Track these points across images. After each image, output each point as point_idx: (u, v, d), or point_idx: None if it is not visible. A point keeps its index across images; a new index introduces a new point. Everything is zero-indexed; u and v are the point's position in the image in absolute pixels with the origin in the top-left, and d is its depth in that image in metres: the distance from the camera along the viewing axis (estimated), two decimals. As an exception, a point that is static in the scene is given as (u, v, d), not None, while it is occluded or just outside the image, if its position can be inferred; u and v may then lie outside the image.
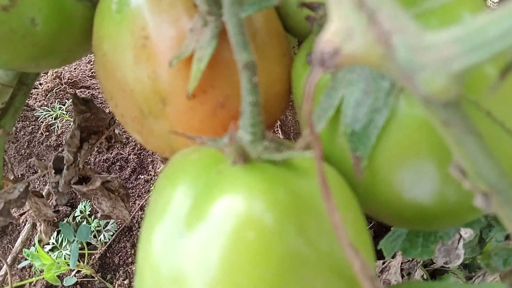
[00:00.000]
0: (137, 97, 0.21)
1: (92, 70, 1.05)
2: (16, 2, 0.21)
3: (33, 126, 0.93)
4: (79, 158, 0.40)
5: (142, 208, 0.83)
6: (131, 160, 0.90)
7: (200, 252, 0.14)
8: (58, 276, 0.72)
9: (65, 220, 0.81)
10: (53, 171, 0.40)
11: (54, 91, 0.98)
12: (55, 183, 0.40)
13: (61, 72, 1.02)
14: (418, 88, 0.11)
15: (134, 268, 0.78)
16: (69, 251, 0.72)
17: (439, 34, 0.10)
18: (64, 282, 0.74)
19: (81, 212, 0.81)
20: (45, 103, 0.96)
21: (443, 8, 0.17)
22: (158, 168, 0.89)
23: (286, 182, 0.15)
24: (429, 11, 0.17)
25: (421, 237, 0.28)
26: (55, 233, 0.78)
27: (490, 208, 0.13)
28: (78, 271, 0.77)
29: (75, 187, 0.40)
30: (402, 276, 0.60)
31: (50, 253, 0.74)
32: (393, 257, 0.60)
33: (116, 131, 0.44)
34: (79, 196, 0.41)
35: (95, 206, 0.41)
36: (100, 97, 0.99)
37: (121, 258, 0.79)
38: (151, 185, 0.87)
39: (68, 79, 1.00)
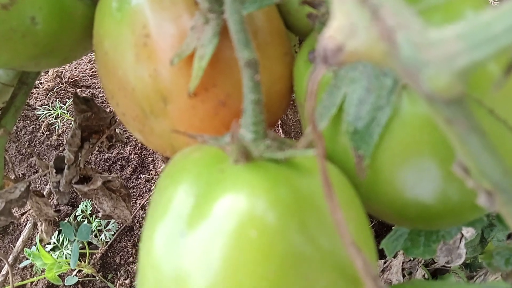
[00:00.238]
0: (138, 96, 0.21)
1: (93, 69, 1.05)
2: (16, 1, 0.21)
3: (34, 126, 0.93)
4: (80, 158, 0.40)
5: (143, 208, 0.83)
6: (132, 159, 0.90)
7: (202, 251, 0.14)
8: (59, 276, 0.72)
9: (66, 219, 0.81)
10: (54, 170, 0.40)
11: (54, 90, 0.98)
12: (56, 182, 0.40)
13: (62, 71, 1.02)
14: (422, 85, 0.10)
15: (135, 267, 0.78)
16: (70, 251, 0.72)
17: (443, 31, 0.10)
18: (66, 281, 0.74)
19: (82, 211, 0.81)
20: (46, 103, 0.96)
21: (446, 5, 0.17)
22: (159, 168, 0.89)
23: (288, 180, 0.15)
24: (432, 8, 0.17)
25: (423, 237, 0.28)
26: (56, 232, 0.78)
27: (493, 207, 0.13)
28: (80, 271, 0.77)
29: (76, 186, 0.40)
30: (404, 276, 0.60)
31: (51, 252, 0.74)
32: (394, 257, 0.60)
33: (117, 131, 0.44)
34: (80, 196, 0.41)
35: (96, 206, 0.41)
36: (101, 96, 0.99)
37: (122, 257, 0.79)
38: (152, 184, 0.87)
39: (68, 78, 1.00)
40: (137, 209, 0.83)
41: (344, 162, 0.18)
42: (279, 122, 0.62)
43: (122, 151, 0.91)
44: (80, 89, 0.99)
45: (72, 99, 0.51)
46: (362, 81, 0.17)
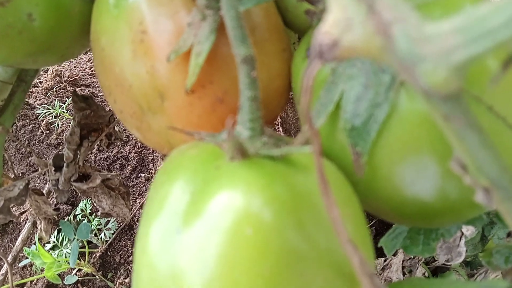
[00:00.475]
0: (135, 93, 0.21)
1: (92, 68, 1.05)
2: (13, -3, 0.21)
3: (33, 125, 0.93)
4: (79, 156, 0.40)
5: (142, 207, 0.83)
6: (132, 158, 0.90)
7: (198, 248, 0.14)
8: (59, 275, 0.73)
9: (66, 218, 0.81)
10: (53, 168, 0.40)
11: (54, 89, 0.98)
12: (55, 180, 0.40)
13: (61, 70, 1.02)
14: (418, 81, 0.10)
15: (135, 266, 0.78)
16: (70, 250, 0.72)
17: (440, 25, 0.10)
18: (65, 280, 0.75)
19: (81, 210, 0.81)
20: (45, 102, 0.96)
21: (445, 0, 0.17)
22: (158, 166, 0.89)
23: (284, 177, 0.15)
24: (431, 2, 0.17)
25: (422, 235, 0.28)
26: (56, 231, 0.78)
27: (491, 204, 0.12)
28: (79, 270, 0.77)
29: (75, 184, 0.40)
30: (404, 274, 0.60)
31: (50, 251, 0.74)
32: (394, 255, 0.60)
33: (116, 129, 0.44)
34: (80, 195, 0.41)
35: (95, 204, 0.41)
36: (100, 95, 0.99)
37: (122, 256, 0.79)
38: (151, 183, 0.87)
39: (68, 77, 1.00)
40: (137, 208, 0.83)
41: (341, 159, 0.18)
42: (279, 120, 0.62)
43: (122, 150, 0.91)
44: (80, 88, 0.99)
45: (71, 98, 0.50)
46: (360, 77, 0.17)
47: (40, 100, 0.97)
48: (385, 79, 0.16)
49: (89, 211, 0.81)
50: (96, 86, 1.01)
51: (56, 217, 0.80)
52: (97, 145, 0.41)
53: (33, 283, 0.76)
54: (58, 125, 0.93)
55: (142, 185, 0.87)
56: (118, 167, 0.89)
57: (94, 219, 0.80)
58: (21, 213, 0.79)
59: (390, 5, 0.10)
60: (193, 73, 0.19)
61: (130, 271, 0.78)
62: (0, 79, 0.33)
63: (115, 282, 0.76)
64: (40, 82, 0.99)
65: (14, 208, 0.70)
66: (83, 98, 0.37)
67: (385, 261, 0.60)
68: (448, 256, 0.39)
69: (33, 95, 0.97)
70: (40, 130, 0.93)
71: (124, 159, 0.89)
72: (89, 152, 0.40)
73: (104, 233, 0.80)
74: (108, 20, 0.21)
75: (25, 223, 0.79)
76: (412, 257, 0.59)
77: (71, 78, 1.00)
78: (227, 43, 0.17)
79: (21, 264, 0.76)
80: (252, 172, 0.15)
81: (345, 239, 0.13)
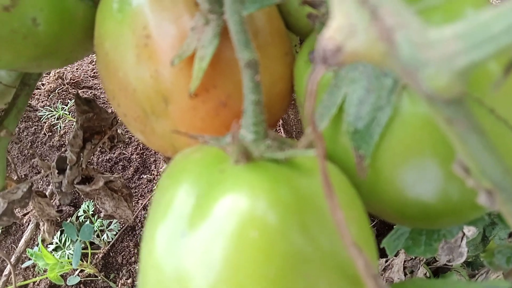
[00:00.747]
0: (139, 97, 0.21)
1: (94, 71, 1.05)
2: (18, 2, 0.21)
3: (35, 127, 0.93)
4: (82, 158, 0.40)
5: (145, 208, 0.84)
6: (134, 160, 0.90)
7: (203, 251, 0.14)
8: (61, 276, 0.73)
9: (68, 220, 0.81)
10: (56, 171, 0.40)
11: (56, 91, 0.99)
12: (58, 183, 0.41)
13: (63, 72, 1.02)
14: (421, 85, 0.10)
15: (137, 267, 0.78)
16: (73, 251, 0.72)
17: (442, 30, 0.10)
18: (68, 281, 0.75)
19: (84, 212, 0.81)
20: (48, 104, 0.97)
21: (446, 4, 0.17)
22: (160, 168, 0.89)
23: (289, 180, 0.15)
24: (433, 7, 0.17)
25: (424, 235, 0.28)
26: (59, 233, 0.79)
27: (494, 205, 0.13)
28: (82, 271, 0.77)
29: (78, 187, 0.40)
30: (405, 274, 0.60)
31: (53, 253, 0.74)
32: (396, 255, 0.60)
33: (119, 131, 0.44)
34: (82, 196, 0.41)
35: (98, 206, 0.41)
36: (102, 97, 0.99)
37: (124, 257, 0.79)
38: (154, 184, 0.87)
39: (70, 80, 1.01)
40: (139, 209, 0.83)
41: (345, 162, 0.18)
42: (281, 122, 0.62)
43: (124, 152, 0.91)
44: (82, 90, 1.00)
45: (73, 100, 0.51)
46: (362, 81, 0.17)
47: (42, 102, 0.97)
48: (387, 83, 0.16)
49: (92, 212, 0.81)
50: (98, 88, 1.01)
51: (59, 218, 0.80)
52: (100, 147, 0.41)
53: (36, 284, 0.76)
54: (60, 127, 0.93)
55: (144, 187, 0.87)
56: (120, 168, 0.89)
57: (96, 220, 0.81)
58: (24, 215, 0.79)
59: (392, 11, 0.10)
60: (197, 77, 0.19)
61: (132, 272, 0.78)
62: (3, 82, 0.33)
63: (117, 283, 0.76)
64: (43, 84, 1.00)
65: (17, 210, 0.70)
66: (86, 101, 0.37)
67: (386, 261, 0.60)
68: (450, 256, 0.39)
69: (36, 97, 0.98)
70: (42, 132, 0.93)
71: (126, 160, 0.90)
72: (92, 154, 0.40)
73: (107, 234, 0.80)
74: (112, 24, 0.21)
75: (28, 224, 0.79)
76: (414, 257, 0.59)
77: (73, 80, 1.01)
78: (230, 47, 0.17)
79: (24, 265, 0.76)
80: (257, 175, 0.15)
81: (349, 241, 0.13)
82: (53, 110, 0.95)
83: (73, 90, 0.99)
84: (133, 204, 0.81)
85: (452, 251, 0.39)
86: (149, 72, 0.20)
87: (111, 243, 0.80)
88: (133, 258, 0.79)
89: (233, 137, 0.15)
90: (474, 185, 0.13)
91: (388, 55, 0.11)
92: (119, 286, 0.76)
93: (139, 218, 0.83)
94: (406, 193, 0.18)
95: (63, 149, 0.91)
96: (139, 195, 0.86)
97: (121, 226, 0.82)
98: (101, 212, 0.80)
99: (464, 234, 0.40)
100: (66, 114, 0.95)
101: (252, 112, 0.16)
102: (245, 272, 0.13)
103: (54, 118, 0.94)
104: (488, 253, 0.27)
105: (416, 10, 0.13)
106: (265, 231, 0.14)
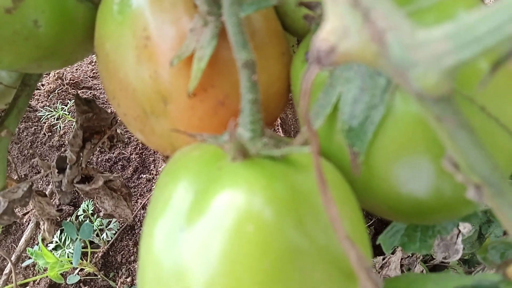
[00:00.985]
0: (139, 97, 0.21)
1: (94, 71, 1.05)
2: (19, 4, 0.21)
3: (35, 127, 0.93)
4: (81, 158, 0.40)
5: (144, 207, 0.84)
6: (133, 159, 0.90)
7: (201, 245, 0.14)
8: (61, 275, 0.73)
9: (68, 219, 0.82)
10: (56, 170, 0.40)
11: (56, 92, 0.99)
12: (58, 182, 0.41)
13: (63, 73, 1.02)
14: (411, 84, 0.11)
15: (136, 266, 0.78)
16: (73, 250, 0.73)
17: (431, 31, 0.10)
18: (68, 280, 0.75)
19: (84, 211, 0.81)
20: (48, 104, 0.97)
21: (439, 5, 0.17)
22: (160, 167, 0.89)
23: (284, 177, 0.15)
24: (425, 9, 0.17)
25: (419, 232, 0.28)
26: (58, 232, 0.79)
27: (482, 200, 0.13)
28: (82, 269, 0.77)
29: (78, 186, 0.40)
30: (402, 272, 0.61)
31: (53, 252, 0.75)
32: (393, 253, 0.60)
33: (118, 131, 0.45)
34: (82, 195, 0.41)
35: (97, 205, 0.42)
36: (102, 98, 0.99)
37: (123, 256, 0.80)
38: (153, 184, 0.87)
39: (70, 80, 1.01)
40: (138, 208, 0.83)
41: (340, 160, 0.19)
42: (279, 121, 0.62)
43: (123, 151, 0.91)
44: (81, 91, 1.00)
45: (73, 100, 0.51)
46: (357, 80, 0.17)
47: (42, 102, 0.97)
48: (380, 82, 0.17)
49: (91, 211, 0.82)
50: (98, 88, 1.01)
51: (59, 218, 0.81)
52: (99, 146, 0.42)
53: (36, 283, 0.76)
54: (60, 127, 0.94)
55: (143, 186, 0.87)
56: (119, 168, 0.89)
57: (96, 219, 0.81)
58: (24, 214, 0.79)
59: (384, 14, 0.11)
60: (195, 77, 0.19)
61: (131, 270, 0.79)
62: (4, 83, 0.34)
63: (117, 281, 0.77)
64: (42, 85, 1.00)
65: (17, 209, 0.71)
66: (85, 101, 0.38)
67: (383, 259, 0.61)
68: (446, 253, 0.39)
69: (35, 97, 0.98)
70: (42, 132, 0.93)
71: (126, 160, 0.90)
72: (92, 154, 0.41)
73: (106, 234, 0.80)
74: (112, 26, 0.21)
75: (28, 224, 0.80)
76: (410, 255, 0.60)
77: (73, 80, 1.01)
78: (228, 48, 0.18)
79: (24, 264, 0.77)
80: (253, 172, 0.15)
81: (342, 235, 0.13)
82: (52, 110, 0.95)
83: (73, 90, 1.00)
84: (132, 204, 0.81)
85: (448, 248, 0.40)
86: (149, 73, 0.20)
87: (110, 242, 0.80)
88: (132, 257, 0.80)
89: (230, 135, 0.16)
90: (463, 180, 0.13)
91: (379, 56, 0.11)
92: (119, 284, 0.76)
93: (138, 218, 0.83)
94: (399, 189, 0.18)
95: (62, 149, 0.91)
96: (138, 194, 0.86)
97: (121, 226, 0.82)
98: (100, 211, 0.81)
99: (459, 231, 0.40)
100: (65, 114, 0.95)
101: (249, 111, 0.17)
102: (242, 265, 0.14)
103: (54, 119, 0.94)
104: (482, 249, 0.28)
105: (408, 12, 0.14)
106: (261, 226, 0.14)
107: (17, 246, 0.64)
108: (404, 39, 0.11)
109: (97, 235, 0.80)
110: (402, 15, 0.11)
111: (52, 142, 0.92)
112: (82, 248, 0.75)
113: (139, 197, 0.86)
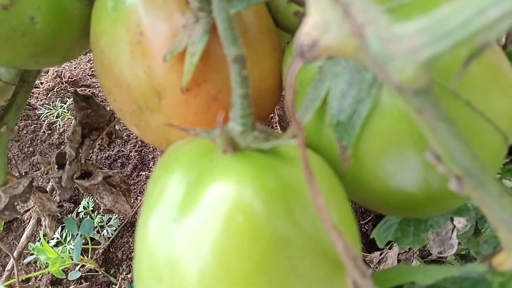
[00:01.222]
0: (134, 92, 0.22)
1: (92, 69, 1.06)
2: (16, 1, 0.21)
3: (35, 125, 0.94)
4: (81, 154, 0.41)
5: (144, 204, 0.84)
6: (133, 157, 0.91)
7: (193, 236, 0.15)
8: (63, 271, 0.74)
9: (69, 216, 0.82)
10: (56, 166, 0.41)
11: (55, 90, 0.99)
12: (58, 178, 0.41)
13: (62, 71, 1.03)
14: (390, 77, 0.11)
15: (137, 262, 0.79)
16: (73, 246, 0.74)
17: (407, 26, 0.11)
18: (69, 276, 0.76)
19: (84, 208, 0.82)
20: (47, 102, 0.98)
21: (424, 0, 0.18)
22: (159, 165, 0.89)
23: (274, 169, 0.16)
24: (412, 4, 0.18)
25: (412, 226, 0.29)
26: (60, 228, 0.80)
27: (463, 190, 0.13)
28: (83, 266, 0.78)
29: (78, 181, 0.41)
30: (400, 267, 0.61)
31: (54, 248, 0.75)
32: (389, 249, 0.61)
33: (117, 127, 0.45)
34: (82, 191, 0.42)
35: (97, 201, 0.42)
36: (100, 95, 1.00)
37: (124, 252, 0.80)
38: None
39: (68, 78, 1.01)
40: (138, 205, 0.84)
41: (329, 153, 0.19)
42: (277, 118, 0.63)
43: (123, 149, 0.92)
44: (80, 89, 1.00)
45: (72, 98, 0.51)
46: (344, 75, 0.18)
47: (41, 100, 0.98)
48: (367, 77, 0.17)
49: (92, 208, 0.82)
50: (96, 86, 1.02)
51: (59, 214, 0.81)
52: (99, 144, 0.42)
53: (38, 278, 0.77)
54: (59, 125, 0.94)
55: (143, 183, 0.88)
56: (119, 165, 0.90)
57: (96, 216, 0.82)
58: (25, 211, 0.80)
59: (363, 9, 0.11)
60: (188, 73, 0.20)
61: (132, 266, 0.79)
62: (3, 80, 0.34)
63: (118, 277, 0.77)
64: (41, 83, 1.00)
65: (18, 206, 0.71)
66: (84, 97, 0.38)
67: (381, 254, 0.61)
68: (441, 248, 0.40)
69: (35, 96, 0.98)
70: (42, 130, 0.94)
71: (125, 157, 0.90)
72: (91, 150, 0.41)
73: (107, 230, 0.81)
74: (107, 23, 0.22)
75: (29, 221, 0.80)
76: (407, 250, 0.60)
77: (72, 78, 1.01)
78: (219, 43, 0.18)
79: (26, 261, 0.78)
80: (243, 165, 0.16)
81: (329, 225, 0.14)
82: (52, 108, 0.95)
83: (72, 88, 1.00)
84: (132, 201, 0.82)
85: (443, 243, 0.40)
86: (143, 68, 0.21)
87: (111, 238, 0.81)
88: (132, 254, 0.80)
89: (221, 129, 0.16)
90: (445, 172, 0.13)
91: (360, 50, 0.12)
92: (120, 280, 0.77)
93: (138, 215, 0.84)
94: (388, 182, 0.18)
95: (62, 147, 0.91)
96: (138, 191, 0.87)
97: (121, 222, 0.83)
98: (100, 208, 0.81)
99: (454, 226, 0.41)
100: (65, 112, 0.95)
101: (240, 105, 0.17)
102: (232, 254, 0.14)
103: (53, 116, 0.95)
104: (474, 242, 0.28)
105: (392, 7, 0.14)
106: (251, 216, 0.14)
107: (18, 243, 0.65)
108: (382, 33, 0.11)
109: (98, 232, 0.81)
110: (380, 10, 0.11)
111: (52, 140, 0.92)
112: (83, 245, 0.75)
113: (138, 194, 0.87)
